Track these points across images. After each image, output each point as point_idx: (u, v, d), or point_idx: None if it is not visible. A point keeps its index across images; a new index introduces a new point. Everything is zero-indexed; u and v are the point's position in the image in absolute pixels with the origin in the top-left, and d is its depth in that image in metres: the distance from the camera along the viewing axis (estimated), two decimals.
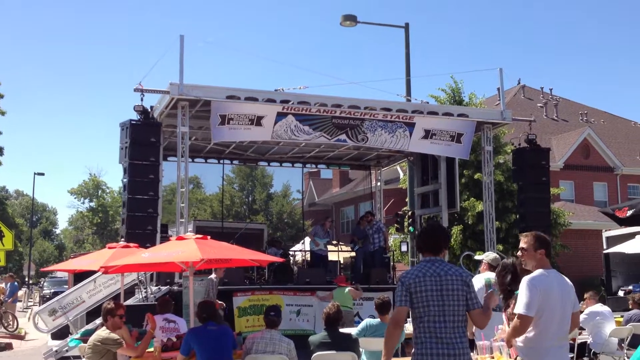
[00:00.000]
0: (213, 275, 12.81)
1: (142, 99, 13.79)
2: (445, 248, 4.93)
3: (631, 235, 11.41)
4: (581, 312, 11.32)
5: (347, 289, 13.48)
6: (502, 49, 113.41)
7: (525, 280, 5.06)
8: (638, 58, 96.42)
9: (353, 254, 18.44)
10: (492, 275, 6.98)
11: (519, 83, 39.44)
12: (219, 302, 12.39)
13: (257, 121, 14.49)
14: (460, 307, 4.68)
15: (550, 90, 39.79)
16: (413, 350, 4.74)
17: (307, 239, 19.56)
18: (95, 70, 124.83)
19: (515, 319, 5.03)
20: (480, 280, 6.99)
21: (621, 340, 9.49)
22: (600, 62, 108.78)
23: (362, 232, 17.68)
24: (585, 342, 9.87)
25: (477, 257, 8.60)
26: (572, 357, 9.57)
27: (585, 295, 11.23)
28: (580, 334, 9.91)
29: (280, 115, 14.62)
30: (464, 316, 4.71)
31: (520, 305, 4.96)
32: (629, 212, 10.76)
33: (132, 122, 13.70)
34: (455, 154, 16.52)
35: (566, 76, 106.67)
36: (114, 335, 7.12)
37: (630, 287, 12.29)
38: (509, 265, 5.97)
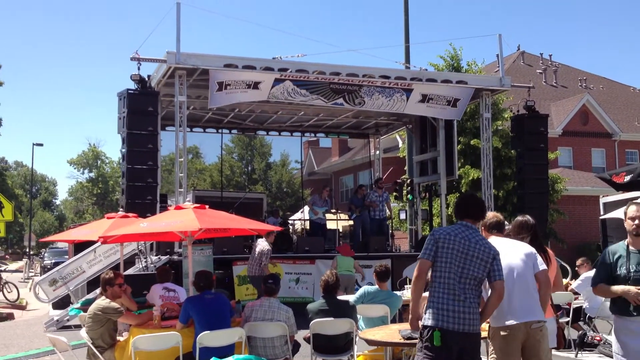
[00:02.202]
0: (266, 244, 12.48)
1: (139, 68, 13.72)
2: (482, 219, 5.19)
3: (628, 201, 11.40)
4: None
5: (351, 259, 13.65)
6: (501, 15, 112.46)
7: None
8: (638, 23, 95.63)
9: (352, 222, 18.50)
10: None
11: (519, 49, 39.17)
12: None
13: (254, 85, 14.46)
14: (479, 273, 4.78)
15: (550, 56, 39.55)
16: (427, 304, 4.83)
17: (307, 208, 19.62)
18: (94, 40, 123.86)
19: None
20: None
21: None
22: (600, 28, 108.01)
23: (359, 200, 17.70)
24: (581, 306, 9.96)
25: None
26: (567, 322, 9.68)
27: (578, 262, 11.30)
28: (576, 299, 10.02)
29: (278, 81, 14.58)
30: (481, 281, 4.83)
31: None
32: (627, 178, 10.70)
33: (130, 91, 13.62)
34: (449, 116, 16.71)
35: (566, 42, 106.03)
36: (114, 304, 7.17)
37: None
38: (529, 224, 5.85)
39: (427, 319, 4.78)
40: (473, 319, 4.72)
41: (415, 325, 4.92)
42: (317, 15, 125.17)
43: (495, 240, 5.28)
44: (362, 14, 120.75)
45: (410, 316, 4.99)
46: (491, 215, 5.60)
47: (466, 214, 5.00)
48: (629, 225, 5.24)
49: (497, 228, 5.50)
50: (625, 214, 5.30)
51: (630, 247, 5.23)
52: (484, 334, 5.65)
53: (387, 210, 17.81)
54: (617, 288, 5.15)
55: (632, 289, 5.07)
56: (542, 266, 5.23)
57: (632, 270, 5.14)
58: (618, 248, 5.30)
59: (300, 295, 14.99)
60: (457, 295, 4.70)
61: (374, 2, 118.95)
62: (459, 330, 4.66)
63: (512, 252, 5.19)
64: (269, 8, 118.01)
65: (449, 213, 18.02)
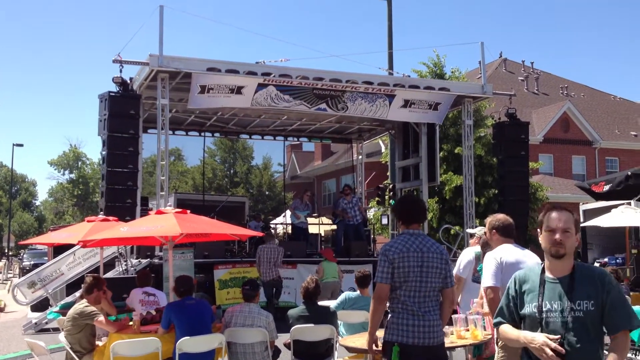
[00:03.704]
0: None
1: (121, 71, 13.69)
2: (425, 219, 5.06)
3: (607, 209, 11.54)
4: None
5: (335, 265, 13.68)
6: (484, 23, 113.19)
7: (485, 256, 5.52)
8: (617, 32, 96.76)
9: (334, 226, 18.47)
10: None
11: (501, 56, 39.50)
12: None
13: (238, 90, 14.45)
14: (436, 282, 4.77)
15: (532, 63, 39.90)
16: (389, 317, 4.82)
17: (289, 212, 19.58)
18: (75, 41, 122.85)
19: (485, 294, 5.30)
20: (470, 252, 7.07)
21: None
22: (582, 36, 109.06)
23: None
24: None
25: (469, 230, 8.65)
26: None
27: None
28: None
29: (261, 86, 14.58)
30: (439, 289, 4.82)
31: (484, 279, 5.22)
32: (606, 187, 10.84)
33: (111, 93, 13.55)
34: (430, 120, 16.85)
35: (548, 50, 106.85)
36: (90, 308, 7.11)
37: (606, 259, 12.52)
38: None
39: (386, 335, 4.78)
40: (434, 331, 4.69)
41: (371, 349, 4.89)
42: (301, 20, 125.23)
43: (512, 250, 5.41)
44: (346, 20, 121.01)
45: (367, 339, 4.90)
46: (505, 218, 5.70)
47: (412, 219, 4.89)
48: (546, 239, 3.47)
49: (511, 233, 5.64)
50: (541, 223, 3.58)
51: (547, 274, 3.42)
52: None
53: (361, 214, 17.66)
54: (521, 335, 3.34)
55: (539, 338, 3.23)
56: None
57: (544, 309, 3.31)
58: (529, 275, 3.52)
59: (282, 299, 14.94)
60: (415, 311, 4.67)
61: (358, 9, 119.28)
62: (418, 344, 4.63)
63: (531, 262, 5.20)
64: (253, 13, 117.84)
65: (429, 219, 18.07)
